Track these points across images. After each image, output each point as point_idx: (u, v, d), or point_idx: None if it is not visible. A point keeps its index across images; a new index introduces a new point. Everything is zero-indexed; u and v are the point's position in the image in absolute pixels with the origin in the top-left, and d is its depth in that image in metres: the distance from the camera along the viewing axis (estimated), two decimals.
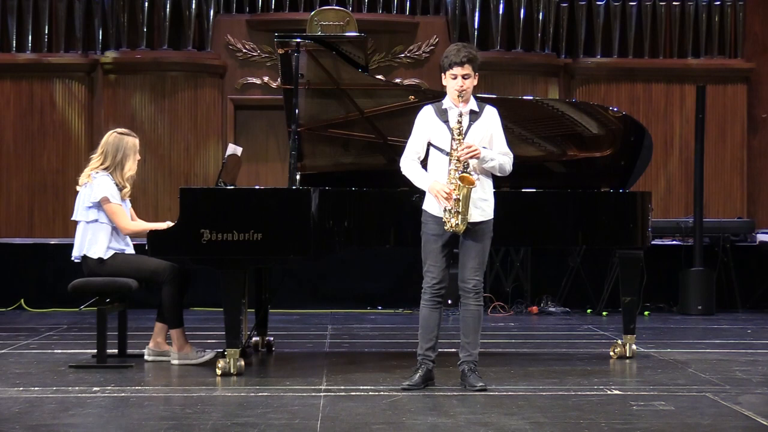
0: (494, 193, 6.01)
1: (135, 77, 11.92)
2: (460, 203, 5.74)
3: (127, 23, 11.94)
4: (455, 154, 5.79)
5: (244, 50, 12.03)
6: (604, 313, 10.23)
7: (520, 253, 10.70)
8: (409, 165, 5.98)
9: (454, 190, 5.75)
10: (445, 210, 5.79)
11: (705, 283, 10.32)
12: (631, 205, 7.06)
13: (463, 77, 5.86)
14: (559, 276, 10.59)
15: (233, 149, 7.12)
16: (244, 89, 12.08)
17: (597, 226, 6.99)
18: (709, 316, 10.17)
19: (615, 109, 7.39)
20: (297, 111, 6.74)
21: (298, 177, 6.72)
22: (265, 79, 12.03)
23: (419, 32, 12.12)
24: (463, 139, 5.83)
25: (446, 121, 5.87)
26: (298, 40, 6.68)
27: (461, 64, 5.86)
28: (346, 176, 7.26)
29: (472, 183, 5.74)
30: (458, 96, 5.85)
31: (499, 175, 5.97)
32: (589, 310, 10.40)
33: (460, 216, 5.76)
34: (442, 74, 5.94)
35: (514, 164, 6.03)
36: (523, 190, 7.01)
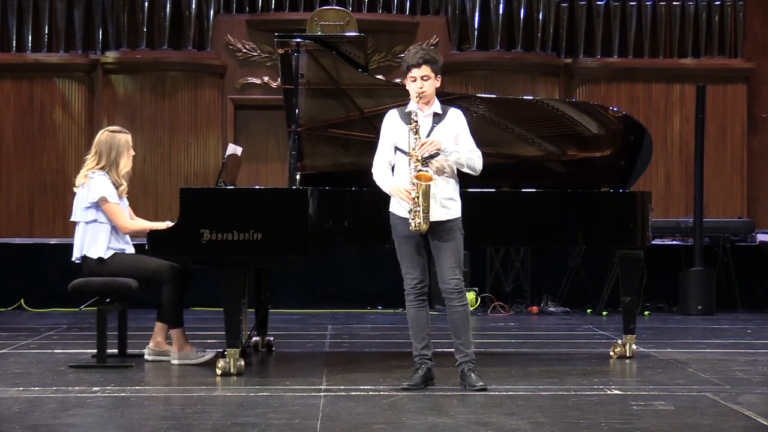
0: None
1: (135, 77, 11.92)
2: (420, 200, 5.72)
3: (127, 23, 11.94)
4: (413, 153, 5.77)
5: (244, 50, 12.04)
6: (604, 313, 10.23)
7: (520, 253, 10.71)
8: (377, 171, 5.96)
9: (413, 188, 5.73)
10: (409, 211, 5.78)
11: (705, 283, 10.32)
12: (631, 205, 7.05)
13: (422, 78, 5.82)
14: (559, 276, 10.59)
15: (233, 149, 7.12)
16: (244, 89, 12.09)
17: (597, 226, 6.99)
18: (709, 316, 10.17)
19: (615, 109, 7.38)
20: (297, 111, 6.74)
21: (298, 177, 6.71)
22: (265, 79, 12.03)
23: (419, 32, 12.12)
24: (426, 138, 5.80)
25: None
26: (298, 40, 6.68)
27: (418, 65, 5.82)
28: (346, 176, 7.26)
29: (429, 179, 5.72)
30: (417, 98, 5.82)
31: (467, 171, 5.89)
32: (589, 310, 10.40)
33: (422, 214, 5.74)
34: (405, 77, 5.91)
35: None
36: (523, 190, 7.01)
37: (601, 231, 7.00)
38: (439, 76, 5.89)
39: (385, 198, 5.96)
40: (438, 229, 5.84)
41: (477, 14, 12.07)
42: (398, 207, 5.89)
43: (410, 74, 5.84)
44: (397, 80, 11.49)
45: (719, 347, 7.89)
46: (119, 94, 11.89)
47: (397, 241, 5.94)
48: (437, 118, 5.90)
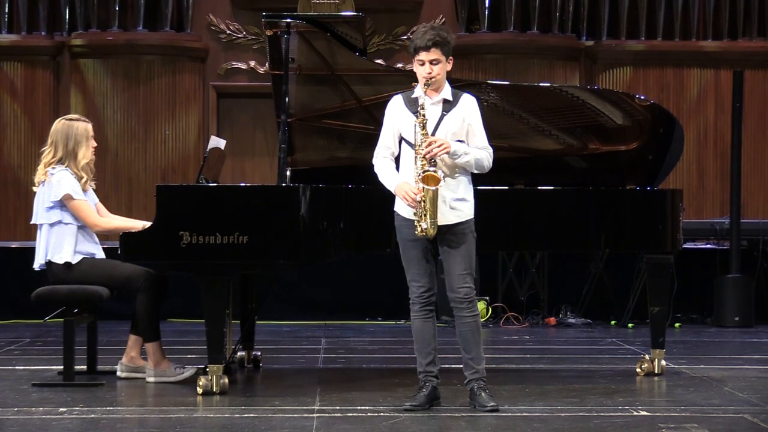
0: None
1: (106, 61, 11.92)
2: (426, 205, 5.72)
3: (97, 1, 11.95)
4: (420, 151, 5.77)
5: (227, 31, 12.05)
6: (630, 325, 10.24)
7: (536, 258, 10.72)
8: (379, 163, 5.97)
9: (420, 191, 5.73)
10: (415, 213, 5.79)
11: (743, 291, 10.34)
12: (659, 205, 7.07)
13: (431, 63, 5.81)
14: (580, 284, 10.61)
15: (216, 142, 7.14)
16: (228, 75, 12.10)
17: (622, 227, 7.01)
18: (747, 328, 10.18)
19: (642, 97, 7.41)
20: (287, 99, 6.76)
21: (288, 173, 6.74)
22: (252, 63, 12.05)
23: (423, 12, 12.14)
24: (434, 132, 5.81)
25: (416, 112, 5.85)
26: (289, 20, 6.70)
27: (427, 48, 5.81)
28: (342, 172, 7.27)
29: (437, 182, 5.70)
30: (425, 84, 5.84)
31: (475, 172, 5.91)
32: (613, 322, 10.42)
33: (428, 219, 5.73)
34: (412, 60, 5.92)
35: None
36: (539, 187, 7.03)
37: (626, 233, 7.02)
38: (450, 58, 5.90)
39: (386, 196, 5.97)
40: (447, 232, 5.84)
41: None
42: (403, 207, 5.88)
43: (418, 57, 5.84)
44: (399, 65, 11.54)
45: (759, 363, 7.91)
46: (88, 80, 11.90)
47: (402, 245, 5.95)
48: (447, 105, 5.90)
